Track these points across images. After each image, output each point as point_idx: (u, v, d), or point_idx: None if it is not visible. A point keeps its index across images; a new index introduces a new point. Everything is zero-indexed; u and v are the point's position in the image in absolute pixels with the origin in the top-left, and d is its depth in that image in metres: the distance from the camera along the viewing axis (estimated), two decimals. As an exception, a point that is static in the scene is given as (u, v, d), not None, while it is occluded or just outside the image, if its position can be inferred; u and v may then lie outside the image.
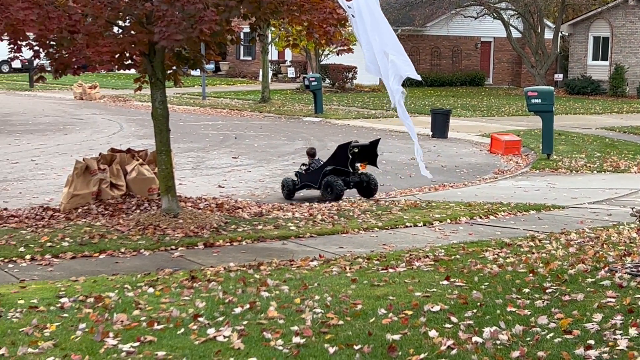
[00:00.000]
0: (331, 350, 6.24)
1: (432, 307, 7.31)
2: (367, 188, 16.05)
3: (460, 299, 7.64)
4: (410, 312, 7.20)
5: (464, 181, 18.42)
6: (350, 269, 9.37)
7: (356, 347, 6.29)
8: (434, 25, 49.79)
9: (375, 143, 16.55)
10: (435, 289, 8.11)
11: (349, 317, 7.11)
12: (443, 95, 44.11)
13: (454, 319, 6.95)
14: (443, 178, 18.69)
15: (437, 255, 10.11)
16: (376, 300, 7.69)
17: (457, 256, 10.05)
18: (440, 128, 26.76)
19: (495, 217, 13.77)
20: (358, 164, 16.18)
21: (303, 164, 16.65)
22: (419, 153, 11.03)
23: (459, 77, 50.97)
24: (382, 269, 9.27)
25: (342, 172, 15.90)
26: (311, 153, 16.83)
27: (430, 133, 26.69)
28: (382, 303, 7.56)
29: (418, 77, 10.27)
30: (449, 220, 13.35)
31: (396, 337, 6.50)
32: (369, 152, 16.32)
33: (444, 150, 23.49)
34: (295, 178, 16.35)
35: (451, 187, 17.57)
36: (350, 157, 15.90)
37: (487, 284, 8.30)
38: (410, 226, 12.90)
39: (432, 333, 6.55)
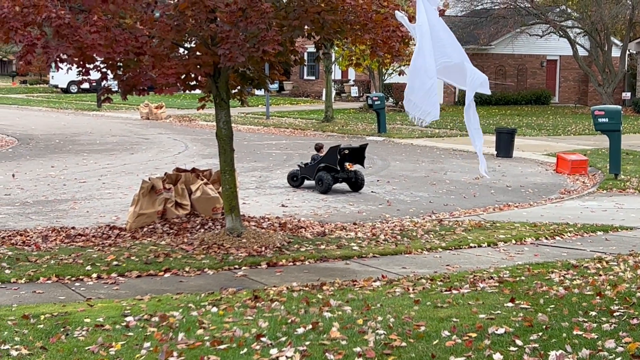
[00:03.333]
0: (394, 372, 6.20)
1: (496, 330, 7.22)
2: (355, 183, 19.04)
3: (526, 321, 7.53)
4: (474, 335, 7.12)
5: (529, 201, 18.19)
6: (413, 289, 9.31)
7: (419, 370, 6.24)
8: (498, 43, 49.46)
9: (364, 147, 19.40)
10: (499, 311, 8.00)
11: (412, 339, 7.06)
12: (508, 114, 43.72)
13: (519, 342, 6.85)
14: (508, 198, 18.49)
15: (502, 277, 9.99)
16: (439, 322, 7.62)
17: (522, 278, 9.91)
18: (505, 147, 26.50)
19: (562, 238, 13.57)
20: (346, 164, 19.03)
21: (312, 158, 19.45)
22: (479, 147, 10.75)
23: (524, 95, 50.49)
24: (446, 290, 9.19)
25: (332, 170, 18.82)
26: (317, 147, 19.87)
27: (495, 152, 26.45)
28: (446, 325, 7.49)
29: (488, 92, 10.20)
30: (514, 241, 13.19)
31: (460, 359, 6.43)
32: (358, 154, 19.19)
33: (509, 170, 23.25)
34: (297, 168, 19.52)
35: (516, 207, 17.36)
36: (340, 157, 18.74)
37: (552, 306, 8.17)
38: (475, 247, 12.79)
39: (497, 356, 6.47)
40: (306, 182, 19.43)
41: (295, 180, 19.51)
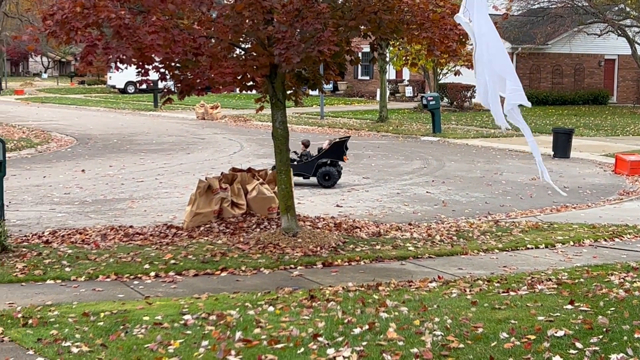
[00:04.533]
0: (452, 373, 6.17)
1: (555, 332, 7.14)
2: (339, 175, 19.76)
3: (585, 324, 7.43)
4: (533, 337, 7.05)
5: (587, 202, 17.95)
6: (470, 291, 9.25)
7: (477, 372, 6.19)
8: (555, 43, 48.88)
9: (345, 140, 19.92)
10: (558, 313, 7.91)
11: (469, 341, 7.01)
12: (565, 114, 43.18)
13: (578, 345, 6.77)
14: (565, 199, 18.26)
15: (560, 279, 9.88)
16: (497, 324, 7.56)
17: (581, 280, 9.79)
18: (562, 148, 26.18)
19: (621, 239, 13.37)
20: (344, 157, 19.81)
21: (294, 152, 19.25)
22: (537, 153, 10.56)
23: (581, 95, 49.83)
24: (503, 292, 9.11)
25: (336, 164, 19.50)
26: (304, 144, 20.07)
27: (552, 153, 26.15)
28: (504, 327, 7.42)
29: (528, 104, 10.03)
30: (572, 243, 13.04)
31: (518, 362, 6.38)
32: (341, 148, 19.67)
33: (566, 171, 22.97)
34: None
35: (574, 208, 17.14)
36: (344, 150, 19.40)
37: (613, 309, 8.05)
38: (532, 248, 12.67)
39: (556, 359, 6.39)
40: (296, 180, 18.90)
41: None
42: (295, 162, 19.50)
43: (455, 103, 46.56)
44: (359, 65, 58.02)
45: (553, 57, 49.83)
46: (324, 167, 19.47)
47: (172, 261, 11.12)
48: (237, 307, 8.53)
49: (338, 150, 19.56)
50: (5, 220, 11.77)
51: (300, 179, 19.62)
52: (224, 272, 10.83)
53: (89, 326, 7.83)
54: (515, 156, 26.33)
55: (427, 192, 19.04)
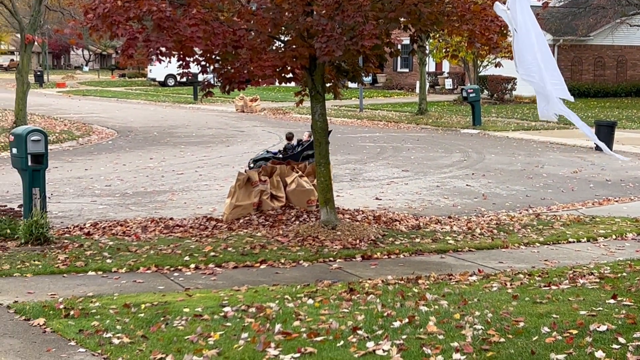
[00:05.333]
0: (493, 368, 6.12)
1: (598, 327, 7.05)
2: None
3: (629, 318, 7.33)
4: (575, 332, 6.97)
5: (630, 196, 17.71)
6: (511, 284, 9.17)
7: (519, 366, 6.14)
8: (597, 34, 48.30)
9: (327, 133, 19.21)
10: (601, 308, 7.82)
11: (510, 335, 6.95)
12: (607, 106, 42.66)
13: (621, 340, 6.68)
14: (607, 192, 18.05)
15: (603, 273, 9.75)
16: (539, 318, 7.48)
17: (624, 274, 9.66)
18: (604, 140, 25.58)
19: (665, 233, 13.17)
20: None
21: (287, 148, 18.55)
22: (589, 132, 10.33)
23: (624, 87, 49.20)
24: (545, 286, 9.02)
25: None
26: (288, 137, 18.90)
27: (594, 145, 25.84)
28: (545, 321, 7.35)
29: (571, 99, 9.89)
30: (614, 236, 12.88)
31: (561, 356, 6.31)
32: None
33: (609, 164, 22.68)
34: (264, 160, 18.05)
35: (616, 201, 16.93)
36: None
37: (657, 304, 7.94)
38: (573, 242, 12.53)
39: (599, 354, 6.32)
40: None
41: None
42: (280, 156, 19.24)
43: (495, 95, 46.20)
44: (398, 58, 57.86)
45: (595, 49, 49.25)
46: (311, 159, 19.05)
47: (212, 253, 11.15)
48: (277, 300, 8.53)
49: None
50: (47, 212, 11.88)
51: None
52: (264, 265, 10.85)
53: (130, 317, 7.88)
54: (557, 149, 26.08)
55: (467, 185, 18.92)
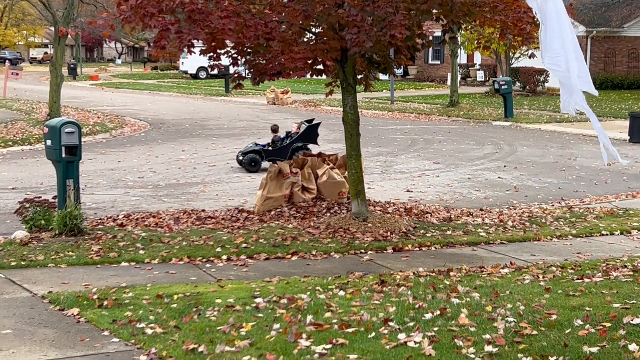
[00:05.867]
0: (525, 360, 6.10)
1: (632, 320, 7.00)
2: None
3: (663, 312, 7.28)
4: (608, 324, 6.92)
5: (664, 188, 17.54)
6: (543, 277, 9.12)
7: (551, 359, 6.11)
8: (632, 25, 47.74)
9: (318, 124, 19.60)
10: (635, 301, 7.76)
11: (543, 327, 6.93)
12: (641, 98, 42.22)
13: (655, 333, 6.63)
14: (641, 185, 17.89)
15: (636, 266, 9.68)
16: (571, 311, 7.44)
17: (658, 267, 9.58)
18: (639, 132, 25.61)
19: (700, 226, 13.03)
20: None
21: (275, 140, 19.34)
22: (604, 137, 10.19)
23: (658, 79, 48.64)
24: (577, 279, 8.97)
25: (306, 148, 18.90)
26: (274, 129, 19.78)
27: (628, 137, 25.61)
28: (578, 314, 7.31)
29: (595, 92, 9.77)
30: (648, 229, 12.77)
31: (594, 349, 6.27)
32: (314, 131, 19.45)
33: (642, 156, 22.46)
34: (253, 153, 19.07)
35: (650, 194, 16.77)
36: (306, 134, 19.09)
37: (691, 297, 7.86)
38: (607, 234, 12.45)
39: (633, 347, 6.28)
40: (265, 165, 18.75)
41: (255, 165, 18.93)
42: (270, 148, 19.17)
43: (527, 87, 45.86)
44: (430, 50, 57.69)
45: (629, 40, 48.68)
46: (300, 151, 18.79)
47: (244, 245, 11.20)
48: (308, 291, 8.56)
49: (312, 133, 19.24)
50: (81, 203, 11.99)
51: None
52: (295, 256, 10.88)
53: (163, 308, 7.94)
54: (590, 141, 25.84)
55: (498, 177, 18.83)
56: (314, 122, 19.72)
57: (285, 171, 13.98)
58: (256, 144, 19.61)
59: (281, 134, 19.64)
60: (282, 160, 18.67)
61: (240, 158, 19.27)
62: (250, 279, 9.54)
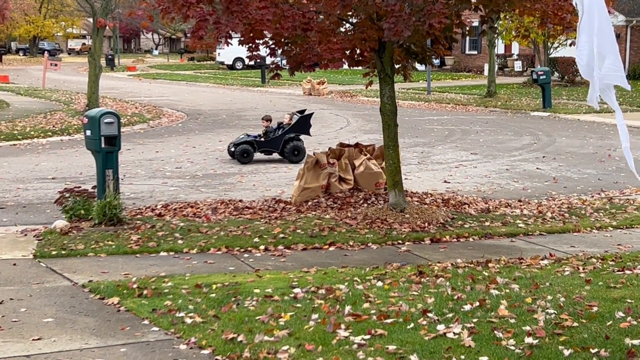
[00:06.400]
0: (566, 352, 6.05)
1: (674, 313, 6.92)
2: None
3: None
4: (650, 317, 6.85)
5: None
6: (583, 269, 9.04)
7: (592, 351, 6.06)
8: (673, 14, 47.08)
9: (310, 114, 19.52)
10: (677, 293, 7.67)
11: (584, 319, 6.86)
12: (682, 88, 41.65)
13: (699, 327, 6.54)
14: (683, 176, 17.64)
15: (678, 258, 9.56)
16: (613, 303, 7.37)
17: (701, 259, 9.45)
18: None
19: None
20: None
21: (268, 131, 19.11)
22: (626, 139, 9.99)
23: (699, 69, 47.90)
24: (618, 271, 8.88)
25: (299, 139, 18.94)
26: (266, 119, 19.36)
27: (668, 128, 25.28)
28: (620, 306, 7.24)
29: (628, 87, 9.61)
30: (690, 221, 12.60)
31: (635, 342, 6.21)
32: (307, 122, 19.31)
33: (684, 147, 22.16)
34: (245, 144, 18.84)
35: (692, 185, 16.55)
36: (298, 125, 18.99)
37: None
38: (648, 226, 12.30)
39: (676, 340, 6.20)
40: (257, 156, 19.00)
41: (247, 156, 18.76)
42: (262, 139, 18.99)
43: (566, 77, 45.42)
44: (467, 40, 57.38)
45: (670, 29, 48.01)
46: (292, 142, 18.87)
47: (281, 235, 11.22)
48: (346, 282, 8.55)
49: (304, 124, 19.09)
50: (120, 193, 12.08)
51: (261, 156, 19.19)
52: (332, 247, 10.88)
53: (202, 297, 7.98)
54: (629, 132, 25.49)
55: (537, 168, 18.68)
56: (306, 112, 19.62)
57: (322, 162, 13.98)
58: (248, 135, 19.44)
59: (274, 124, 19.50)
60: (275, 152, 18.93)
61: (232, 149, 19.10)
62: (288, 269, 9.55)
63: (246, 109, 33.92)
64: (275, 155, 19.20)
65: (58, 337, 6.98)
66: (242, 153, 18.79)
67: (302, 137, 19.19)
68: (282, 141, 18.86)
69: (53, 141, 22.97)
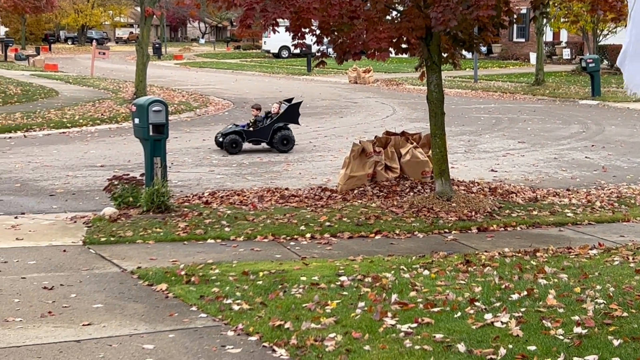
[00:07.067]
0: (615, 342, 5.99)
1: None
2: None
3: None
4: (703, 308, 6.75)
5: None
6: (633, 259, 8.94)
7: (643, 342, 5.99)
8: None
9: (299, 103, 19.47)
10: None
11: (634, 309, 6.79)
12: None
13: None
14: None
15: None
16: (663, 293, 7.28)
17: None
18: None
19: None
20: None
21: (257, 120, 18.94)
22: None
23: None
24: (670, 261, 8.76)
25: (288, 128, 18.83)
26: (256, 108, 19.29)
27: None
28: (671, 296, 7.14)
29: None
30: None
31: (687, 333, 6.12)
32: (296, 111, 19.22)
33: None
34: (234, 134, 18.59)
35: None
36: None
37: None
38: (701, 216, 12.11)
39: None
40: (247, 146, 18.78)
41: (236, 146, 18.45)
42: (251, 129, 18.78)
43: (615, 65, 44.79)
44: (514, 27, 56.80)
45: None
46: (281, 132, 18.70)
47: (327, 223, 11.23)
48: (392, 270, 8.55)
49: (293, 113, 18.95)
50: (167, 181, 12.18)
51: (249, 146, 18.91)
52: (378, 235, 10.87)
53: (249, 285, 8.03)
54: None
55: (585, 157, 18.47)
56: (294, 101, 19.48)
57: (368, 150, 13.95)
58: (236, 125, 19.30)
59: (262, 113, 19.30)
60: (264, 141, 18.73)
61: (221, 139, 18.93)
62: (334, 257, 9.57)
63: (292, 97, 33.90)
64: (264, 145, 19.01)
65: (108, 322, 7.07)
66: (230, 143, 18.63)
67: (291, 126, 19.09)
68: (271, 131, 18.70)
69: (101, 129, 23.23)
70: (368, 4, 11.89)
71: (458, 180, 14.25)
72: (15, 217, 11.85)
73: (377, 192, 13.47)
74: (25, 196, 13.62)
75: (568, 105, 30.64)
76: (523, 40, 59.00)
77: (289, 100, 19.62)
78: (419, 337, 6.32)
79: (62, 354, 6.30)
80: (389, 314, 6.85)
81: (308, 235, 10.74)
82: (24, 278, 8.52)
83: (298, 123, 19.28)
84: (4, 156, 18.06)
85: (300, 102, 19.54)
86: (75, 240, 10.44)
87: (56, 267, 9.06)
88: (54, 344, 6.52)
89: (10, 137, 21.17)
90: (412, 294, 7.52)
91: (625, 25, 9.37)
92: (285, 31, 11.77)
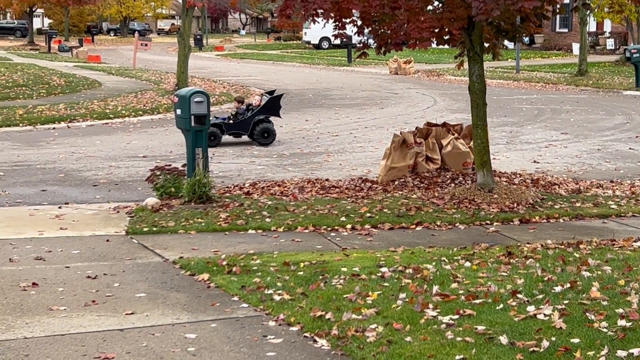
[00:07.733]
0: (660, 336, 5.91)
1: None
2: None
3: None
4: None
5: None
6: (679, 252, 8.81)
7: (688, 336, 5.90)
8: None
9: (280, 96, 19.26)
10: None
11: (679, 303, 6.69)
12: None
13: None
14: None
15: None
16: None
17: None
18: None
19: None
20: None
21: (239, 113, 18.67)
22: None
23: None
24: None
25: (269, 121, 18.54)
26: (239, 100, 19.07)
27: None
28: None
29: None
30: None
31: None
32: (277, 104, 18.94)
33: None
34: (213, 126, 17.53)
35: None
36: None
37: None
38: None
39: None
40: (226, 138, 18.45)
41: (214, 139, 17.70)
42: (231, 122, 18.45)
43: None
44: (557, 18, 56.20)
45: None
46: (262, 124, 18.35)
47: (368, 214, 11.22)
48: (434, 262, 8.51)
49: (274, 105, 18.70)
50: (209, 171, 12.24)
51: (230, 138, 18.59)
52: (419, 227, 10.83)
53: (290, 275, 8.05)
54: None
55: (630, 148, 18.24)
56: (276, 93, 19.25)
57: (409, 141, 13.90)
58: (216, 117, 18.92)
59: (244, 106, 19.07)
60: (244, 134, 18.45)
61: None
62: (375, 248, 9.55)
63: (332, 88, 33.95)
64: (245, 138, 18.75)
65: (150, 311, 7.14)
66: (208, 136, 18.31)
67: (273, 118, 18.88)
68: (252, 123, 18.47)
69: (144, 120, 23.41)
70: (409, -5, 11.83)
71: (500, 172, 14.15)
72: (59, 207, 11.99)
73: (417, 184, 13.42)
74: (68, 186, 13.78)
75: (612, 96, 30.27)
76: (566, 30, 58.38)
77: (271, 92, 19.48)
78: (461, 328, 6.29)
79: (105, 342, 6.36)
80: (430, 306, 6.82)
81: (349, 226, 10.73)
82: (67, 267, 8.62)
83: (279, 115, 18.99)
84: (48, 147, 18.28)
85: (281, 95, 19.37)
86: (118, 230, 10.54)
87: (99, 257, 9.16)
88: (98, 332, 6.60)
89: (54, 128, 21.42)
90: (454, 285, 7.49)
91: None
92: (326, 20, 11.74)
